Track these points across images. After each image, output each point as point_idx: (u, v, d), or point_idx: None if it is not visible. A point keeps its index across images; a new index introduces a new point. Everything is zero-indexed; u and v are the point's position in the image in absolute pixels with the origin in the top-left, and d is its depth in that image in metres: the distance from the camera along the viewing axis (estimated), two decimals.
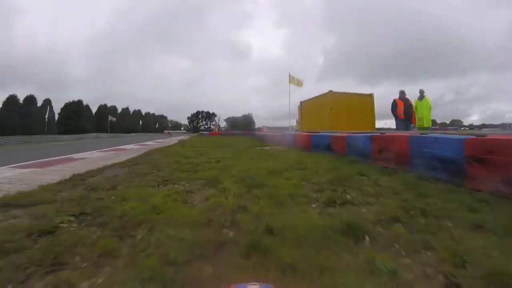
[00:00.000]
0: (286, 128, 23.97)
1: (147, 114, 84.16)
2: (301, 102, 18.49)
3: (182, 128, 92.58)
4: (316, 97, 15.65)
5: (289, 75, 21.15)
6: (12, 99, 48.55)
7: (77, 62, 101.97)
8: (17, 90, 60.79)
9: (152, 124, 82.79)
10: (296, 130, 21.86)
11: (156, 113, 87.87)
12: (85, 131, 49.35)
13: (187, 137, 34.55)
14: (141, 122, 78.35)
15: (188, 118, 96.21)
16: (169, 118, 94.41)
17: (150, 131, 70.96)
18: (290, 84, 21.01)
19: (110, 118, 58.36)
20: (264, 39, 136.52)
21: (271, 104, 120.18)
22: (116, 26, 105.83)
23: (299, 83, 21.70)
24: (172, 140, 24.09)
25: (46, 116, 51.62)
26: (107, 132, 52.34)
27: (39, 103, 52.52)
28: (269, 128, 53.33)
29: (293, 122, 24.48)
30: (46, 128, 48.44)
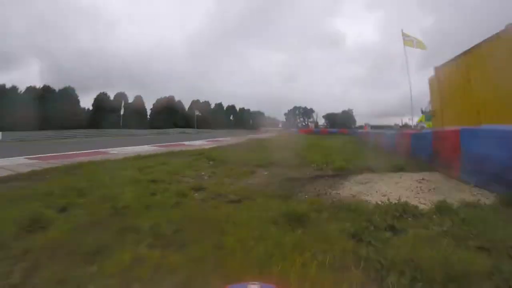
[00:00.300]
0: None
1: (242, 110, 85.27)
2: (438, 68, 10.38)
3: (280, 125, 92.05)
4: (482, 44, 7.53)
5: (402, 33, 15.11)
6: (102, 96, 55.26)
7: (176, 61, 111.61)
8: (125, 89, 68.24)
9: (247, 120, 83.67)
10: (427, 125, 15.10)
11: (253, 109, 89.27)
12: (176, 125, 52.57)
13: (271, 135, 32.07)
14: (231, 118, 79.87)
15: (285, 114, 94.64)
16: (266, 114, 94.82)
17: (244, 127, 71.57)
18: (406, 48, 14.87)
19: (196, 112, 60.66)
20: (358, 25, 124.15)
21: (374, 99, 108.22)
22: (209, 24, 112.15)
23: (420, 45, 15.47)
24: (239, 139, 21.94)
25: (122, 112, 55.75)
26: (194, 127, 54.87)
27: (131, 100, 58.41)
28: (372, 126, 47.53)
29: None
30: (121, 123, 51.72)
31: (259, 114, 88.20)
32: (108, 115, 49.94)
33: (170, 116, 59.19)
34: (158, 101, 63.62)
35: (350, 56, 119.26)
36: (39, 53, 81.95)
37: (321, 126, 76.05)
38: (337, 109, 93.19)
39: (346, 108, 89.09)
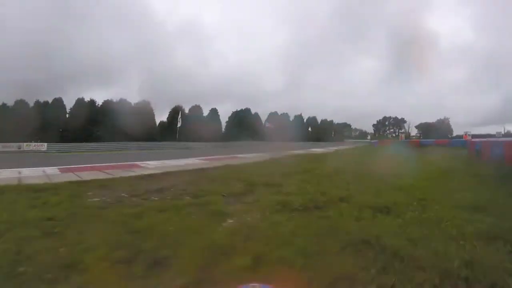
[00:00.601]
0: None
1: (324, 121, 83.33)
2: None
3: (369, 137, 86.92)
4: None
5: None
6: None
7: (267, 77, 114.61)
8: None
9: (329, 132, 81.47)
10: None
11: (339, 121, 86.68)
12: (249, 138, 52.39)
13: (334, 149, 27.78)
14: (309, 129, 78.47)
15: (373, 125, 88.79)
16: (353, 126, 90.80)
17: (325, 140, 69.90)
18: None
19: (267, 124, 61.03)
20: (452, 23, 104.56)
21: (472, 106, 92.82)
22: (294, 36, 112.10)
23: None
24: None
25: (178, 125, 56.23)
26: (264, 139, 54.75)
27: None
28: (473, 136, 41.62)
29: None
30: (177, 135, 52.77)
31: (344, 125, 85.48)
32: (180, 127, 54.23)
33: (243, 128, 61.21)
34: (233, 114, 64.68)
35: (445, 59, 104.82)
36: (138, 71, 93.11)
37: (413, 137, 68.91)
38: (432, 118, 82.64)
39: (441, 117, 78.64)
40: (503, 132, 45.38)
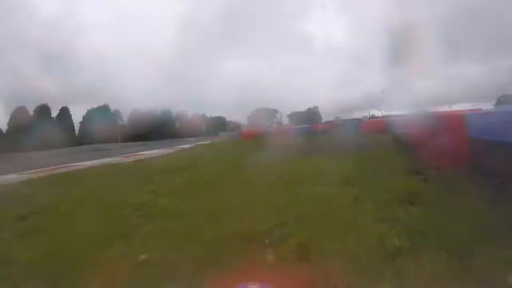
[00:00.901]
0: None
1: (211, 118, 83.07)
2: None
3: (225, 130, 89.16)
4: None
5: None
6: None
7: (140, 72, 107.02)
8: None
9: (213, 127, 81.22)
10: None
11: (219, 115, 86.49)
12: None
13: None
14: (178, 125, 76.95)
15: (248, 117, 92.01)
16: (228, 119, 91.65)
17: (210, 134, 69.34)
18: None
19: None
20: (327, 28, 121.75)
21: (338, 97, 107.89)
22: (176, 31, 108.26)
23: None
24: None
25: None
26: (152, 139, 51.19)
27: None
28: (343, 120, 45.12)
29: None
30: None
31: (219, 119, 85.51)
32: None
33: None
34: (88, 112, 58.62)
35: (316, 59, 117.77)
36: None
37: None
38: (302, 108, 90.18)
39: (311, 106, 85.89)
40: (368, 116, 52.46)
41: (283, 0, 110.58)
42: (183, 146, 24.77)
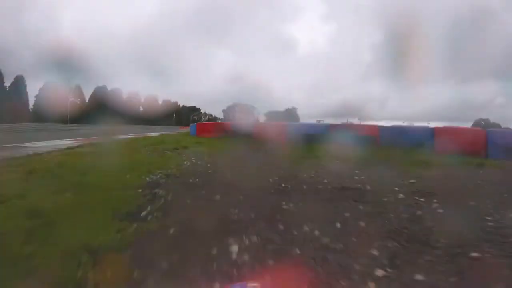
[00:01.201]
0: None
1: (184, 107, 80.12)
2: None
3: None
4: None
5: None
6: None
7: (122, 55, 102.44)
8: None
9: (186, 117, 78.35)
10: None
11: (191, 105, 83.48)
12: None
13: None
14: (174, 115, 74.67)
15: (223, 111, 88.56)
16: (203, 110, 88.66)
17: (182, 124, 66.48)
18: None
19: None
20: (311, 34, 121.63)
21: (317, 103, 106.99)
22: (159, 20, 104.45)
23: None
24: None
25: None
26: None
27: None
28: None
29: None
30: None
31: (193, 109, 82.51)
32: None
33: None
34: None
35: (298, 63, 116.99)
36: None
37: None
38: (280, 108, 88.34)
39: (289, 107, 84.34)
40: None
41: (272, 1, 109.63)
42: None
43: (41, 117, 40.96)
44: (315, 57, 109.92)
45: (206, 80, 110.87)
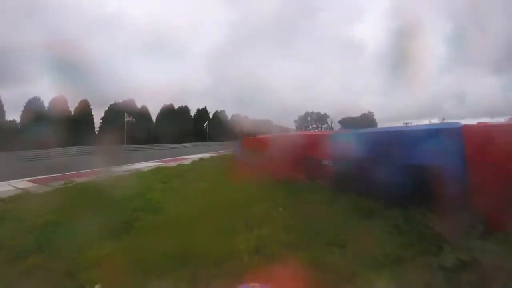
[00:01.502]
0: None
1: (254, 120, 77.66)
2: None
3: None
4: None
5: None
6: None
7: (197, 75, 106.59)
8: None
9: (256, 131, 75.46)
10: None
11: (263, 118, 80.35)
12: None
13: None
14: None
15: (295, 121, 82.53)
16: (274, 122, 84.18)
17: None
18: None
19: (126, 118, 45.05)
20: (376, 33, 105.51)
21: (394, 104, 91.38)
22: (225, 33, 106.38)
23: None
24: None
25: None
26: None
27: None
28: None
29: None
30: None
31: (265, 122, 78.81)
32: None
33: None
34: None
35: (368, 64, 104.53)
36: None
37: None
38: (355, 113, 77.94)
39: (366, 112, 74.30)
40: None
41: (335, 5, 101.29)
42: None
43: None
44: (384, 56, 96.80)
45: (276, 91, 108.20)
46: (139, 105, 54.41)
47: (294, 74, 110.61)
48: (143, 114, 54.80)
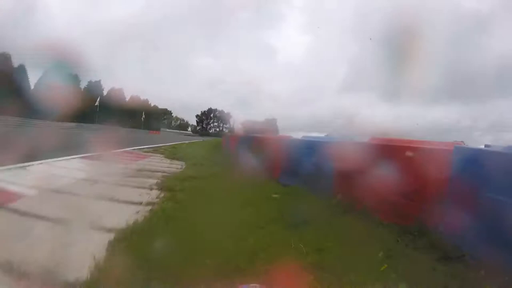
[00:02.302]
0: None
1: (155, 107, 73.57)
2: None
3: (189, 129, 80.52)
4: None
5: None
6: None
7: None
8: None
9: (155, 119, 72.11)
10: None
11: (163, 107, 77.34)
12: None
13: None
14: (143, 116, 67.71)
15: (197, 117, 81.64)
16: (174, 114, 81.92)
17: (149, 128, 59.83)
18: None
19: None
20: (290, 43, 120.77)
21: (295, 114, 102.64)
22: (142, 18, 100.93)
23: None
24: None
25: None
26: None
27: None
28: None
29: None
30: None
31: (165, 113, 76.19)
32: None
33: None
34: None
35: (276, 71, 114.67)
36: None
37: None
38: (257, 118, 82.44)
39: (269, 117, 77.43)
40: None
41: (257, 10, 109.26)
42: None
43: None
44: (293, 66, 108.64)
45: (183, 83, 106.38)
46: None
47: (204, 70, 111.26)
48: None
